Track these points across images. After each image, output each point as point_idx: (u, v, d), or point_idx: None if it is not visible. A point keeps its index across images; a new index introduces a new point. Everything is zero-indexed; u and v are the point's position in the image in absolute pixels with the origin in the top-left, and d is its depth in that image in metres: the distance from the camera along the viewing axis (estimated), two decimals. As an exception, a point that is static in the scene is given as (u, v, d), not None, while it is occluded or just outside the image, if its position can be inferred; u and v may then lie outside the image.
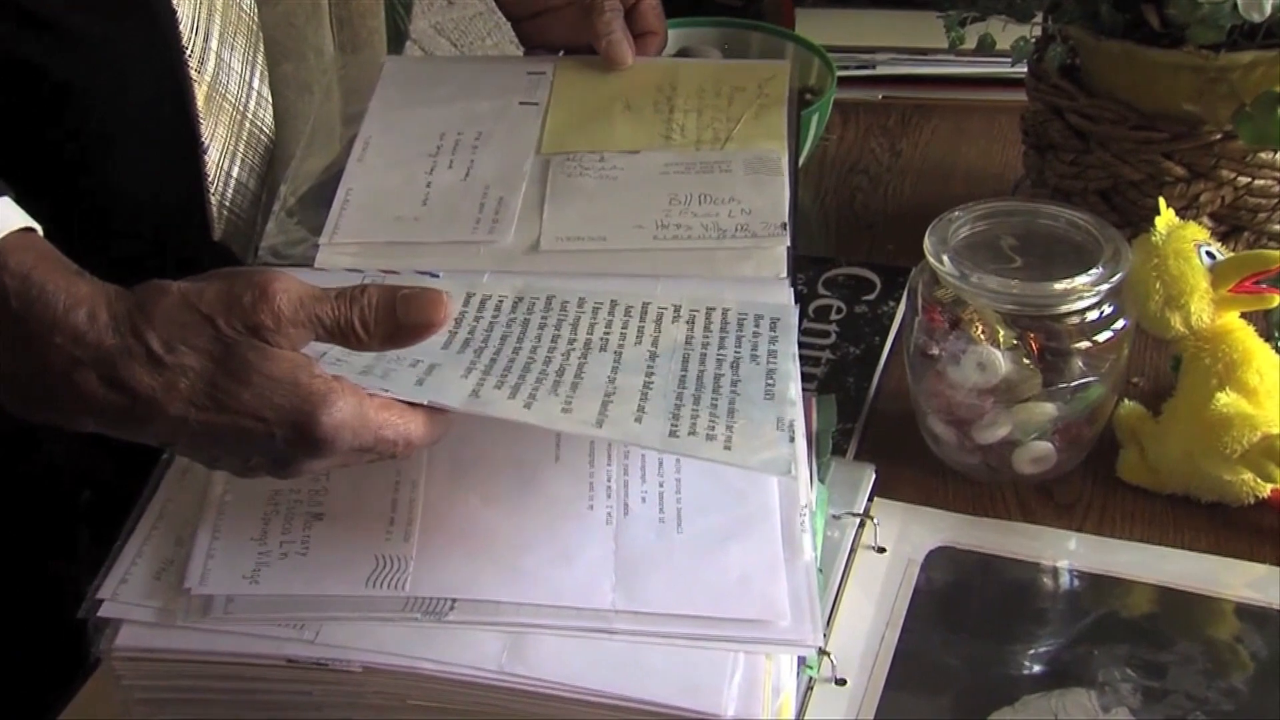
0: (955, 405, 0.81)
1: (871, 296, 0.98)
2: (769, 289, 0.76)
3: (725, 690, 0.62)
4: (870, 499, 0.80)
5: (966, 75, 1.19)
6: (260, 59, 0.90)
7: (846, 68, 1.17)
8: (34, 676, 0.84)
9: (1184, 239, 0.80)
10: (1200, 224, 0.87)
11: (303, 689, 0.65)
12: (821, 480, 0.75)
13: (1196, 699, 0.70)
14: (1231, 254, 0.82)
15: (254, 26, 0.89)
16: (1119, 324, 0.79)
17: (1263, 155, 0.91)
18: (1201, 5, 0.84)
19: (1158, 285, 0.79)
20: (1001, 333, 0.78)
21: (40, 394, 0.61)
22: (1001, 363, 0.78)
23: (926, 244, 0.80)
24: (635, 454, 0.71)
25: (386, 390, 0.63)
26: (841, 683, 0.71)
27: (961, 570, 0.78)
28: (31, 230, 0.64)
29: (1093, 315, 0.78)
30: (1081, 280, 0.77)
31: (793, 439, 0.65)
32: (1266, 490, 0.80)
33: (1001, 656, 0.73)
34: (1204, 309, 0.79)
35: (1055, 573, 0.78)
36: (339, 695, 0.65)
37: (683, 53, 1.12)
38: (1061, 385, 0.79)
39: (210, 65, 0.85)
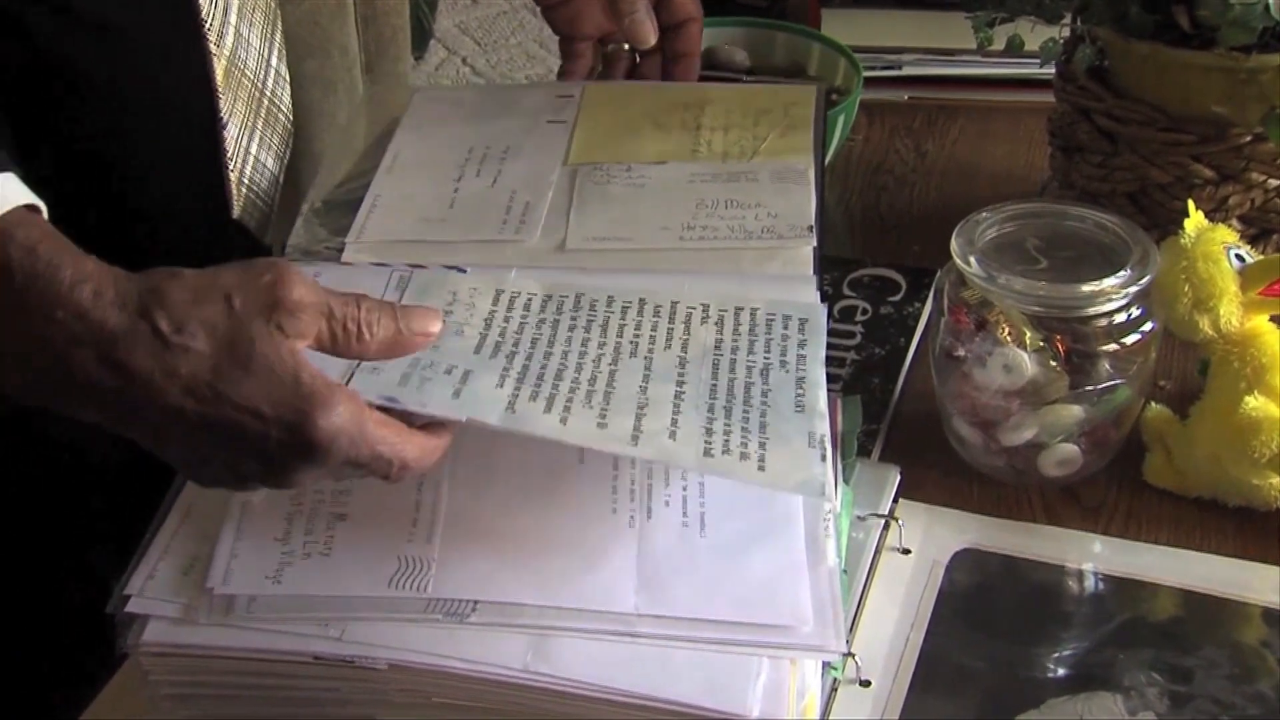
0: (981, 407, 0.81)
1: (897, 297, 0.98)
2: (796, 287, 0.76)
3: (750, 691, 0.62)
4: (895, 500, 0.80)
5: (992, 76, 1.19)
6: (278, 37, 0.90)
7: (873, 68, 1.17)
8: (61, 669, 0.84)
9: (1213, 242, 0.80)
10: (1229, 227, 0.86)
11: (328, 686, 0.65)
12: (846, 481, 0.75)
13: (1223, 704, 0.70)
14: (1261, 257, 0.81)
15: (271, 4, 0.89)
16: (1147, 327, 0.79)
17: (1292, 158, 0.91)
18: (1233, 7, 0.83)
19: (1186, 288, 0.79)
20: (1028, 335, 0.78)
21: (36, 374, 0.60)
22: (1028, 365, 0.78)
23: (953, 245, 0.80)
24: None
25: (425, 406, 0.63)
26: (866, 684, 0.71)
27: (986, 572, 0.78)
28: (36, 210, 0.63)
29: (1120, 318, 0.78)
30: (1109, 282, 0.77)
31: (825, 456, 0.65)
32: (1294, 495, 0.79)
33: (1026, 659, 0.72)
34: (1233, 312, 0.79)
35: (1080, 576, 0.78)
36: (364, 692, 0.65)
37: (708, 52, 1.13)
38: (1088, 388, 0.79)
39: (229, 40, 0.85)
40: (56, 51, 0.79)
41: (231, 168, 0.87)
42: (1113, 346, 0.78)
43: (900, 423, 0.88)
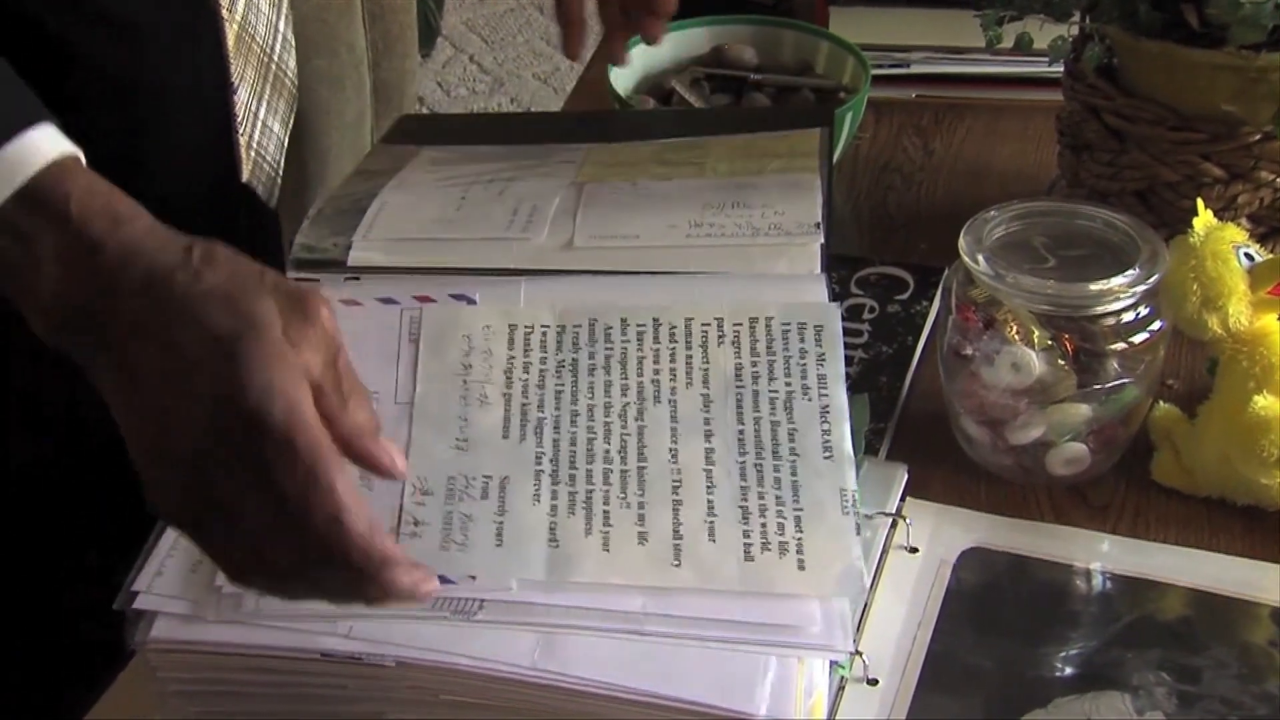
0: (989, 406, 0.81)
1: (904, 296, 0.97)
2: (805, 286, 0.76)
3: (758, 689, 0.62)
4: (902, 499, 0.80)
5: (1001, 75, 1.19)
6: (285, 3, 0.91)
7: (881, 66, 1.16)
8: (65, 668, 0.84)
9: (1222, 240, 0.80)
10: (1238, 225, 0.86)
11: (336, 683, 0.65)
12: (854, 480, 0.75)
13: (1231, 703, 0.69)
14: (1270, 256, 0.81)
15: None
16: (1155, 325, 0.79)
17: (1303, 157, 0.91)
18: (1243, 5, 0.83)
19: (1195, 287, 0.79)
20: (1036, 333, 0.78)
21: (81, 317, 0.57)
22: (1036, 363, 0.78)
23: (961, 243, 0.80)
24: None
25: (475, 578, 0.65)
26: (874, 683, 0.71)
27: (994, 571, 0.78)
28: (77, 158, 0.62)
29: (1129, 316, 0.78)
30: (1118, 281, 0.77)
31: (858, 525, 0.66)
32: (1303, 494, 0.79)
33: (1034, 658, 0.72)
34: (1242, 311, 0.79)
35: (1088, 575, 0.78)
36: (372, 689, 0.65)
37: (716, 51, 1.13)
38: (1096, 387, 0.79)
39: (240, 5, 0.85)
40: (69, 12, 0.79)
41: (241, 131, 0.87)
42: (1121, 345, 0.78)
43: (908, 421, 0.88)
